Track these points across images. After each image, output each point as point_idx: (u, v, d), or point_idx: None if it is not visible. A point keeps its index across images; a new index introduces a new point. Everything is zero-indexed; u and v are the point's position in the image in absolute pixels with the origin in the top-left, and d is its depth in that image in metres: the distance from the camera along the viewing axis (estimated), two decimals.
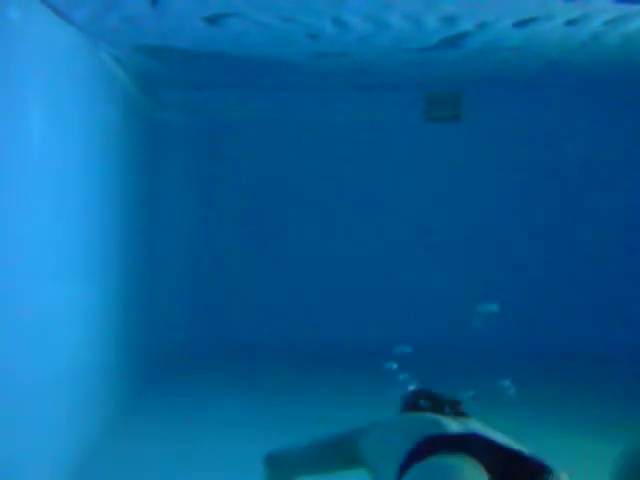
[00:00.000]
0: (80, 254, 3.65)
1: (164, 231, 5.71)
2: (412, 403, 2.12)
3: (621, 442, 3.66)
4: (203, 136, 6.05)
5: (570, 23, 3.50)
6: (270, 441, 3.56)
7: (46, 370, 3.12)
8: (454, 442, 1.69)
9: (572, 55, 4.23)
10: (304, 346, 5.35)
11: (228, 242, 6.07)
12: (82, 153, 3.71)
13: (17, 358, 2.85)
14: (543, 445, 3.57)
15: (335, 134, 6.02)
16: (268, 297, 6.12)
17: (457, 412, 2.10)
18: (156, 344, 5.33)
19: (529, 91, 5.72)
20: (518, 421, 3.97)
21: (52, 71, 3.26)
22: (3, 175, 2.75)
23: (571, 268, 6.01)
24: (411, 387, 2.35)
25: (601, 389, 4.75)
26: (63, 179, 3.39)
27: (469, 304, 5.95)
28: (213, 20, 3.46)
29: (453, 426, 1.82)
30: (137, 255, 4.80)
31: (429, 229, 6.00)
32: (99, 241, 4.00)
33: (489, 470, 1.62)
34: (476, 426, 1.89)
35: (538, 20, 3.46)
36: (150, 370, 4.93)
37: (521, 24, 3.54)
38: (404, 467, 1.66)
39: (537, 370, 5.32)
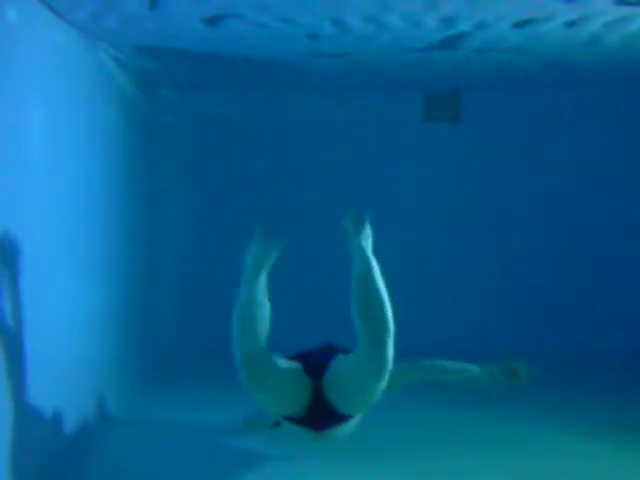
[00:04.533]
0: (78, 254, 3.65)
1: (162, 232, 5.70)
2: None
3: (622, 443, 3.67)
4: (202, 136, 6.05)
5: (570, 24, 3.50)
6: (268, 441, 3.59)
7: (44, 366, 3.12)
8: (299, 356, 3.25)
9: (572, 56, 4.23)
10: (301, 348, 5.34)
11: (226, 244, 6.05)
12: (81, 154, 3.71)
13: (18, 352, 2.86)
14: (543, 445, 3.58)
15: (334, 134, 6.01)
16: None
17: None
18: (153, 346, 5.33)
19: (529, 92, 5.72)
20: (519, 422, 3.98)
21: (51, 72, 3.26)
22: (2, 175, 2.75)
23: (572, 268, 6.01)
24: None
25: (602, 389, 4.75)
26: (62, 179, 3.40)
27: (467, 304, 5.99)
28: (212, 21, 3.47)
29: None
30: (135, 256, 4.80)
31: (429, 230, 6.00)
32: (97, 241, 4.00)
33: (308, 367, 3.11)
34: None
35: (538, 21, 3.46)
36: (147, 372, 4.93)
37: (520, 25, 3.54)
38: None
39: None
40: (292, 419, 3.09)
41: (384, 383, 2.94)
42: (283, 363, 3.09)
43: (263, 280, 3.15)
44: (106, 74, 4.19)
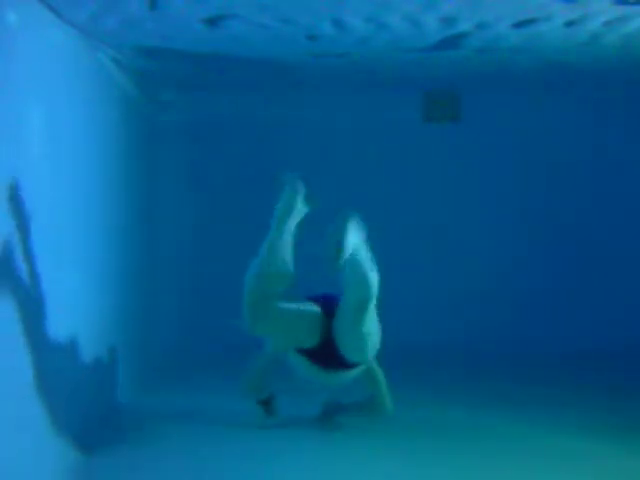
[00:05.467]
0: (79, 254, 3.65)
1: (162, 231, 5.70)
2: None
3: (621, 443, 3.67)
4: (202, 136, 6.05)
5: (569, 24, 3.50)
6: (270, 441, 3.59)
7: (44, 365, 3.12)
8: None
9: (572, 56, 4.23)
10: None
11: (226, 244, 6.06)
12: (81, 154, 3.71)
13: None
14: (543, 445, 3.59)
15: (334, 135, 6.01)
16: None
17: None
18: (152, 346, 5.33)
19: (529, 92, 5.72)
20: (518, 423, 3.99)
21: (51, 72, 3.26)
22: (2, 175, 2.76)
23: (570, 268, 6.02)
24: None
25: (602, 390, 4.75)
26: (62, 180, 3.40)
27: (466, 304, 5.99)
28: (212, 21, 3.47)
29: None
30: (135, 256, 4.80)
31: (426, 229, 6.00)
32: (97, 241, 4.00)
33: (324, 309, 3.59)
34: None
35: (537, 21, 3.46)
36: (146, 372, 4.93)
37: (520, 25, 3.54)
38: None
39: (537, 371, 5.32)
40: (303, 351, 3.50)
41: (366, 328, 3.44)
42: (298, 305, 3.59)
43: (291, 229, 3.54)
44: (106, 74, 4.19)
